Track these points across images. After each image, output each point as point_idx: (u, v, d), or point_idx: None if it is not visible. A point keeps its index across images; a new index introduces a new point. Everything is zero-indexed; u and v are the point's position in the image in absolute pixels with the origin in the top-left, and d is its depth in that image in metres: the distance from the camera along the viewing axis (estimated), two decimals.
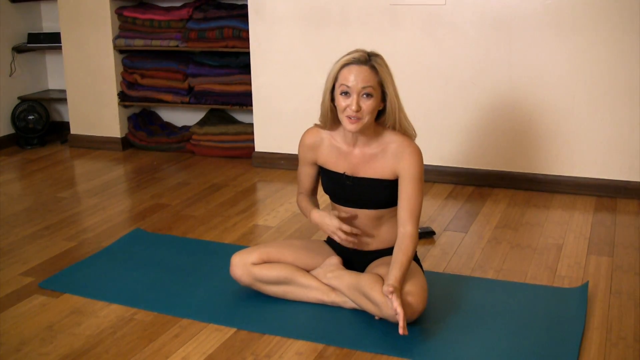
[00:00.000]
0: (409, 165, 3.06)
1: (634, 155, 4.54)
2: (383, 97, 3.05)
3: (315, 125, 3.25)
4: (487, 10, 4.66)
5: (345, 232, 3.13)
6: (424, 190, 3.13)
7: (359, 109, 2.97)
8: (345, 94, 2.99)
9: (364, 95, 2.98)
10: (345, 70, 3.01)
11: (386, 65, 3.06)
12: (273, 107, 5.36)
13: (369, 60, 3.02)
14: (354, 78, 2.97)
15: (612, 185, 4.61)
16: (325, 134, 3.22)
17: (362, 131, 3.06)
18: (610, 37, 4.44)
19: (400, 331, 2.77)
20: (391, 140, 3.10)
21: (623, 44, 4.42)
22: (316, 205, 3.36)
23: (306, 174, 3.34)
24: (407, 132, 3.14)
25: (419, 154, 3.08)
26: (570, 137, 4.65)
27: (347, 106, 2.98)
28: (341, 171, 3.17)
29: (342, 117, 3.03)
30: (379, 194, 3.12)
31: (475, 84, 4.77)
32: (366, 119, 3.00)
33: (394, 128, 3.11)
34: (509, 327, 3.01)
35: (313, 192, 3.39)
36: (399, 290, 2.88)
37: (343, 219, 3.18)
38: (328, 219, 3.16)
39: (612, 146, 4.58)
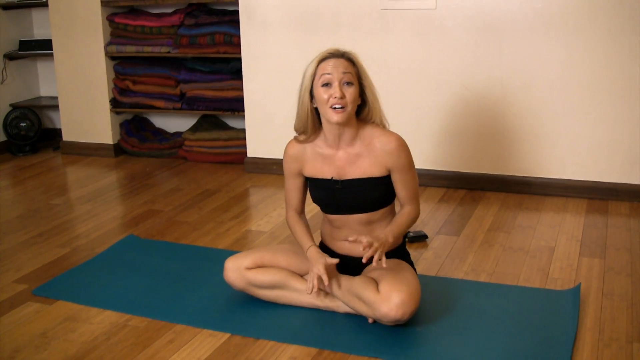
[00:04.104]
0: (399, 158, 3.07)
1: (624, 158, 4.56)
2: (361, 92, 3.06)
3: (295, 138, 3.22)
4: (477, 14, 4.68)
5: (319, 282, 3.12)
6: (416, 173, 3.18)
7: (343, 95, 2.96)
8: (327, 85, 2.99)
9: (345, 84, 2.99)
10: (323, 64, 3.03)
11: (360, 60, 3.08)
12: (265, 113, 5.38)
13: (344, 54, 3.06)
14: (333, 67, 3.00)
15: (603, 187, 4.63)
16: (307, 144, 3.20)
17: (346, 125, 3.05)
18: (600, 40, 4.46)
19: (366, 255, 2.90)
20: (373, 135, 3.09)
21: (613, 47, 4.44)
22: (309, 232, 3.30)
23: (294, 187, 3.30)
24: (382, 125, 3.15)
25: (405, 144, 3.10)
26: (562, 140, 4.67)
27: (331, 96, 2.98)
28: (328, 177, 3.16)
29: (326, 110, 3.00)
30: (370, 192, 3.11)
31: (467, 87, 4.78)
32: (349, 107, 2.99)
33: (372, 122, 3.12)
34: (502, 329, 3.02)
35: (301, 209, 3.35)
36: (386, 242, 2.99)
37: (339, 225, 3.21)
38: (320, 257, 3.13)
39: (603, 149, 4.60)
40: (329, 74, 2.99)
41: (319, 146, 3.17)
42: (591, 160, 4.64)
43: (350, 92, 2.99)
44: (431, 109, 4.91)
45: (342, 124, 3.04)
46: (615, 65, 4.46)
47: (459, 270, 3.65)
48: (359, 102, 3.08)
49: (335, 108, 2.98)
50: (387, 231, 3.05)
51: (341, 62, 3.01)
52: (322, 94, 3.00)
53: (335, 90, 2.97)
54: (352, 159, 3.12)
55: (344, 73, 2.99)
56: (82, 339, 3.05)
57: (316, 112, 3.11)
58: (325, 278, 3.06)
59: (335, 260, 3.14)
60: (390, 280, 2.96)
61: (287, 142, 3.25)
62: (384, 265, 2.90)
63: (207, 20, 5.65)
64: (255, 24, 5.25)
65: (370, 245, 2.91)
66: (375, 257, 2.89)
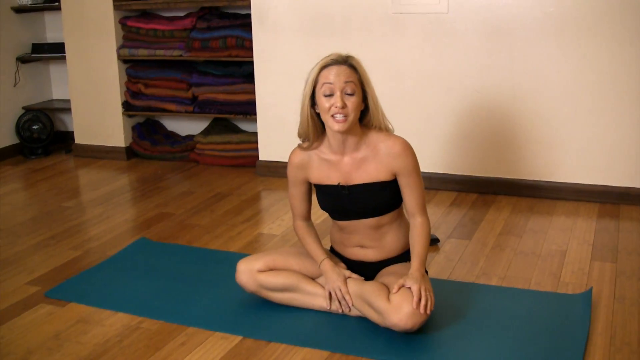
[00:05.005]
0: (405, 161, 3.06)
1: (636, 162, 4.55)
2: (363, 97, 3.05)
3: (299, 145, 3.22)
4: (489, 18, 4.68)
5: (340, 296, 3.14)
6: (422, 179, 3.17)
7: (344, 105, 2.94)
8: (329, 95, 2.98)
9: (347, 93, 2.97)
10: (325, 71, 3.00)
11: (362, 66, 3.06)
12: (277, 116, 5.38)
13: (347, 60, 3.03)
14: (335, 76, 2.97)
15: (615, 191, 4.62)
16: (311, 151, 3.19)
17: (349, 132, 3.04)
18: (612, 45, 4.45)
19: (422, 310, 2.90)
20: (378, 139, 3.09)
21: (625, 51, 4.43)
22: (319, 242, 3.30)
23: (298, 194, 3.29)
24: (387, 129, 3.14)
25: (410, 147, 3.09)
26: (573, 144, 4.66)
27: (332, 105, 2.96)
28: (335, 183, 3.15)
29: (328, 118, 2.99)
30: (378, 197, 3.10)
31: (478, 91, 4.78)
32: (351, 116, 2.97)
33: (376, 127, 3.11)
34: (513, 333, 3.02)
35: (308, 216, 3.35)
36: (420, 279, 2.96)
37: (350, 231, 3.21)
38: (335, 274, 3.15)
39: (614, 153, 4.59)
40: (330, 83, 2.97)
41: (324, 152, 3.16)
42: (602, 164, 4.63)
43: (352, 101, 2.97)
44: (442, 112, 4.91)
45: (345, 132, 3.03)
46: (626, 70, 4.45)
47: (471, 274, 3.65)
48: (362, 107, 3.06)
49: (336, 118, 2.97)
50: (415, 264, 3.04)
51: (343, 70, 2.98)
52: (324, 103, 2.99)
53: (336, 100, 2.95)
54: (357, 164, 3.11)
55: (346, 82, 2.96)
56: (95, 341, 3.07)
57: (319, 117, 3.09)
58: (349, 298, 3.12)
59: (357, 276, 3.17)
60: (401, 289, 2.95)
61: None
62: (430, 309, 2.94)
63: (219, 24, 5.66)
64: (267, 28, 5.26)
65: (401, 286, 2.96)
66: (424, 304, 2.91)
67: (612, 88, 4.51)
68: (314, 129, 3.11)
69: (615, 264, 3.71)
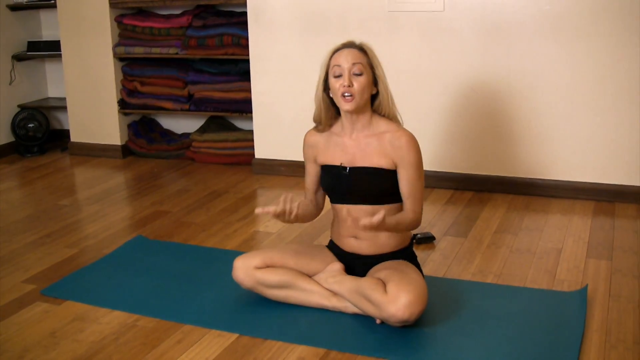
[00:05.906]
0: (407, 155, 3.12)
1: (632, 160, 4.55)
2: (375, 82, 3.16)
3: (315, 127, 3.33)
4: (485, 16, 4.68)
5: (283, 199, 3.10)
6: (424, 175, 3.22)
7: (351, 84, 3.07)
8: (338, 76, 3.10)
9: (355, 74, 3.09)
10: (335, 55, 3.15)
11: (374, 52, 3.20)
12: (273, 114, 5.38)
13: (357, 45, 3.18)
14: (344, 58, 3.11)
15: (610, 189, 4.63)
16: (324, 133, 3.30)
17: (360, 112, 3.16)
18: (608, 42, 4.46)
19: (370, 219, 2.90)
20: (386, 128, 3.18)
21: (621, 49, 4.44)
22: (303, 206, 3.31)
23: (308, 172, 3.40)
24: (395, 119, 3.24)
25: (415, 142, 3.16)
26: (569, 142, 4.67)
27: (341, 85, 3.08)
28: (338, 163, 3.22)
29: (339, 99, 3.12)
30: (376, 183, 3.15)
31: (474, 89, 4.79)
32: (359, 96, 3.09)
33: (385, 115, 3.21)
34: (509, 331, 3.03)
35: (313, 196, 3.42)
36: (379, 222, 2.92)
37: (344, 216, 3.22)
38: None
39: (610, 151, 4.59)
40: (339, 65, 3.10)
41: (335, 133, 3.27)
42: (598, 162, 4.64)
43: (360, 82, 3.09)
44: (438, 110, 4.92)
45: (354, 112, 3.14)
46: (621, 68, 4.46)
47: (466, 272, 3.65)
48: (374, 92, 3.17)
49: (345, 96, 3.08)
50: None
51: (352, 53, 3.13)
52: (334, 84, 3.12)
53: (344, 80, 3.08)
54: (362, 147, 3.19)
55: (354, 64, 3.09)
56: (91, 338, 3.07)
57: (332, 102, 3.22)
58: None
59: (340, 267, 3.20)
60: (397, 281, 2.97)
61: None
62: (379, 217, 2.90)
63: (215, 22, 5.66)
64: (263, 26, 5.26)
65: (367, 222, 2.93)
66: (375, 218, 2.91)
67: (609, 86, 4.52)
68: (326, 113, 3.24)
69: (610, 262, 3.71)
